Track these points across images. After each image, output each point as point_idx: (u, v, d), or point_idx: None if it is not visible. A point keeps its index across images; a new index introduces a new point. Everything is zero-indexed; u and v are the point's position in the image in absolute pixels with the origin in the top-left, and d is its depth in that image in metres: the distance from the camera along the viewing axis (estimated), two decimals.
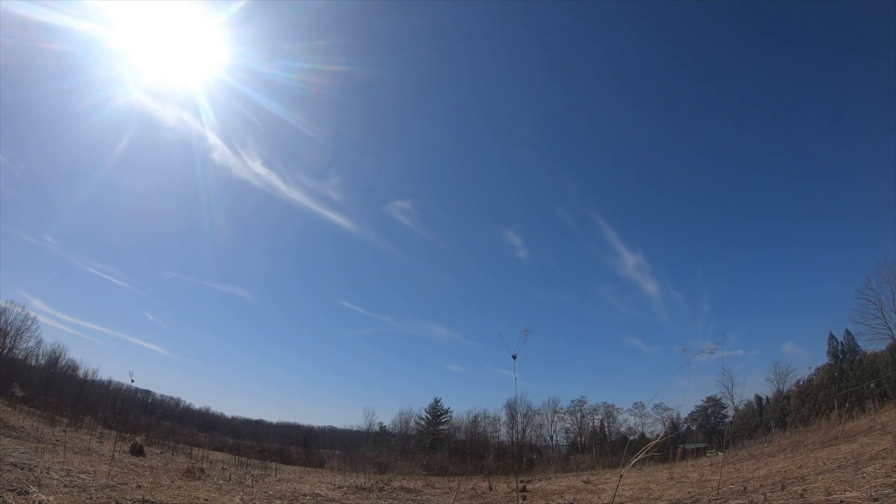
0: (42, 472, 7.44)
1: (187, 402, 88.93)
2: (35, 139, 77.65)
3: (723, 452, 30.45)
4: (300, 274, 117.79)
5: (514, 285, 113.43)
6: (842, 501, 5.66)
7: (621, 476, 14.84)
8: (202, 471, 11.93)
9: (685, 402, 70.61)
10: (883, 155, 73.02)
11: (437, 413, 67.25)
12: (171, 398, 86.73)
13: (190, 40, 69.59)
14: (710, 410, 61.58)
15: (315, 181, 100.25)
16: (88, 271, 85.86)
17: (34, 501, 5.20)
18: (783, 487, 7.63)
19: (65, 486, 6.59)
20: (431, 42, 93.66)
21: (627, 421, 65.12)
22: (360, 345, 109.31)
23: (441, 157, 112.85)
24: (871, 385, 37.92)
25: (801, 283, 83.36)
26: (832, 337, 49.68)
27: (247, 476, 13.71)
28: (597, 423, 66.18)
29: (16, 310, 46.09)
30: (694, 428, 62.45)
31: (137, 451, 15.88)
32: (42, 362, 49.95)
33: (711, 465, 17.80)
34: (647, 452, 3.68)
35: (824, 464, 10.35)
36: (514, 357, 4.22)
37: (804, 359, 69.41)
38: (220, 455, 27.18)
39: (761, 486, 8.44)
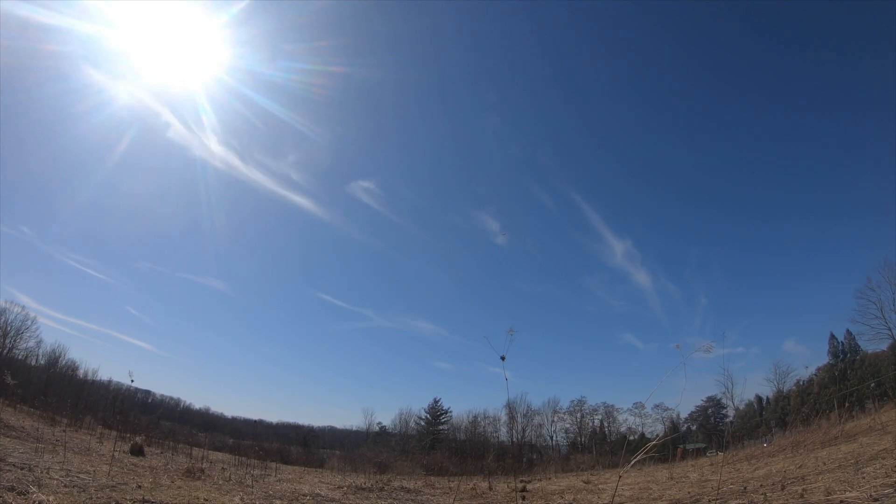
0: (42, 472, 7.43)
1: (187, 402, 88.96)
2: (35, 140, 77.72)
3: (723, 452, 30.48)
4: (277, 265, 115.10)
5: (495, 275, 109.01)
6: (842, 501, 5.66)
7: (621, 476, 14.84)
8: (202, 471, 11.93)
9: (683, 401, 70.68)
10: (883, 155, 73.22)
11: (436, 413, 67.27)
12: (171, 398, 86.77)
13: (190, 41, 69.85)
14: (710, 410, 61.59)
15: (315, 180, 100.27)
16: (68, 263, 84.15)
17: (34, 501, 5.20)
18: (783, 487, 7.62)
19: (65, 486, 6.59)
20: (431, 42, 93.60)
21: (627, 421, 65.23)
22: (344, 340, 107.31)
23: (402, 133, 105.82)
24: (872, 385, 37.94)
25: (801, 283, 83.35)
26: (833, 337, 49.80)
27: (247, 476, 13.71)
28: (596, 423, 66.24)
29: (16, 310, 46.20)
30: (694, 428, 62.44)
31: (137, 451, 15.87)
32: (42, 362, 49.96)
33: (711, 465, 17.79)
34: (646, 452, 3.67)
35: (824, 464, 10.35)
36: (503, 358, 4.19)
37: (805, 357, 69.35)
38: (220, 455, 27.19)
39: (761, 486, 8.44)
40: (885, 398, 32.28)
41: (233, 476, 13.02)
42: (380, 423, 72.58)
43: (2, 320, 44.85)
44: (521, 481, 18.81)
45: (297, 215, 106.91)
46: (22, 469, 7.43)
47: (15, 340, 46.24)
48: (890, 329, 39.75)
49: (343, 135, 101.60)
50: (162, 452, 20.28)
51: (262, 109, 75.33)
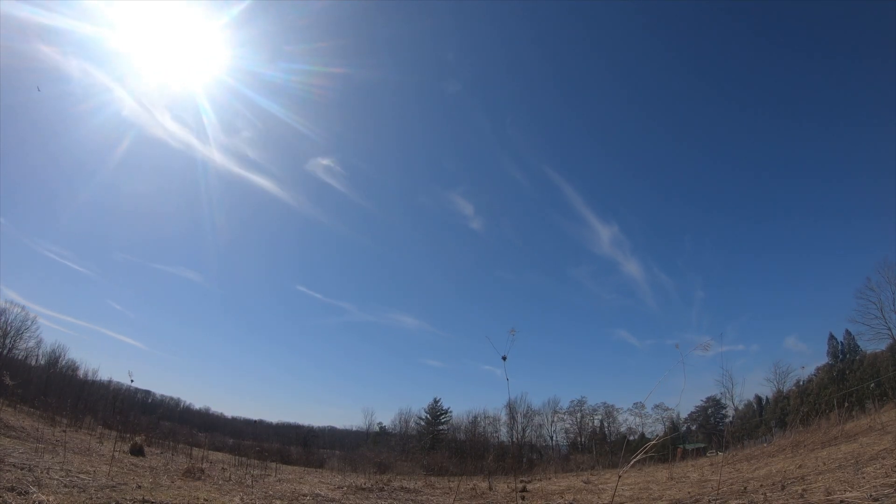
0: (42, 473, 7.44)
1: (187, 402, 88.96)
2: (36, 140, 77.72)
3: (723, 452, 30.46)
4: (261, 258, 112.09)
5: (474, 264, 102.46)
6: (842, 501, 5.66)
7: (621, 476, 14.83)
8: (202, 471, 11.92)
9: (683, 401, 70.61)
10: (883, 155, 73.23)
11: (436, 413, 67.27)
12: (171, 398, 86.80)
13: (191, 42, 69.86)
14: (709, 410, 61.56)
15: (313, 180, 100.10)
16: (47, 255, 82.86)
17: (34, 501, 5.20)
18: (783, 487, 7.62)
19: (65, 486, 6.59)
20: (431, 43, 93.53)
21: (627, 421, 65.20)
22: (329, 334, 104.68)
23: (403, 133, 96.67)
24: (871, 385, 37.93)
25: (802, 283, 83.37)
26: (832, 337, 49.81)
27: (247, 476, 13.70)
28: (596, 423, 66.22)
29: (15, 310, 46.21)
30: (694, 428, 62.42)
31: (137, 451, 15.87)
32: (42, 362, 49.98)
33: (711, 465, 17.78)
34: (646, 452, 3.67)
35: (824, 464, 10.34)
36: (504, 358, 4.15)
37: (806, 355, 69.20)
38: (220, 455, 27.18)
39: (761, 486, 8.44)
40: (885, 398, 32.24)
41: (233, 476, 13.02)
42: (380, 423, 72.72)
43: (2, 320, 44.95)
44: (521, 481, 18.80)
45: (297, 216, 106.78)
46: (22, 469, 7.43)
47: (15, 340, 46.32)
48: (890, 329, 39.81)
49: (343, 134, 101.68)
50: (162, 452, 20.27)
51: (262, 110, 75.51)
